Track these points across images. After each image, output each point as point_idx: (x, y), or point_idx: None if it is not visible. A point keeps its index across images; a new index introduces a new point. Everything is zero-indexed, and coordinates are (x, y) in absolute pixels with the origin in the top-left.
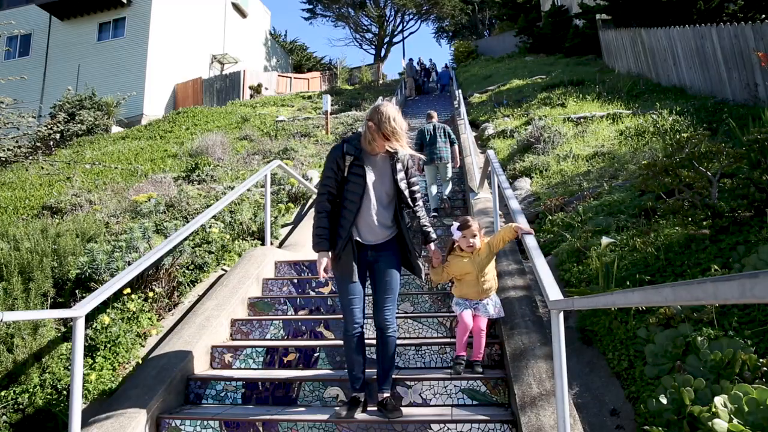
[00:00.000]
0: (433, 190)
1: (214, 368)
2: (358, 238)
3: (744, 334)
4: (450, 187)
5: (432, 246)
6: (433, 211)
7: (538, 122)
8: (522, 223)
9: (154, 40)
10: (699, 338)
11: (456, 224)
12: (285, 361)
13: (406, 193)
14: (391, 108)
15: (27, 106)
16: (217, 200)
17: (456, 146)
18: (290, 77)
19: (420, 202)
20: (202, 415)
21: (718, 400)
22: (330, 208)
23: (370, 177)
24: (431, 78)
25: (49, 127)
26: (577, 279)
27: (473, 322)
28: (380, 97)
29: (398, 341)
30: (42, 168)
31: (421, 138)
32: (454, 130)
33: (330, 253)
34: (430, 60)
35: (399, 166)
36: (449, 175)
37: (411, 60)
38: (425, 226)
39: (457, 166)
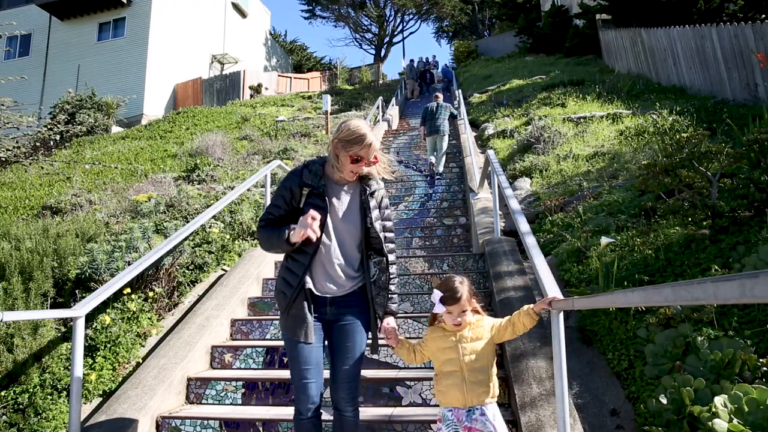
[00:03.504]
0: (432, 159)
1: (214, 368)
2: (312, 288)
3: (744, 334)
4: (443, 161)
5: (391, 321)
6: (427, 175)
7: (538, 122)
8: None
9: (154, 40)
10: (699, 338)
11: (437, 292)
12: (285, 361)
13: (381, 237)
14: (361, 123)
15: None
16: (217, 200)
17: (456, 120)
18: (290, 77)
19: (392, 256)
20: (202, 415)
21: (718, 400)
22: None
23: (334, 213)
24: (434, 76)
25: (49, 127)
26: (577, 279)
27: None
28: (380, 97)
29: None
30: (42, 168)
31: (425, 113)
32: (453, 130)
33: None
34: (434, 56)
35: (372, 202)
36: (445, 147)
37: (411, 60)
38: (391, 288)
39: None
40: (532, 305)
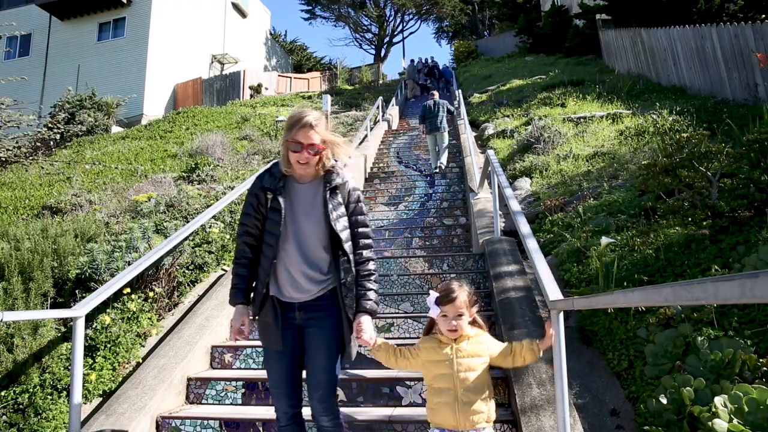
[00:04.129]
0: (434, 162)
1: (214, 368)
2: (275, 294)
3: (744, 334)
4: (446, 155)
5: (364, 320)
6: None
7: (538, 122)
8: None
9: (154, 40)
10: (699, 338)
11: (434, 294)
12: None
13: (343, 235)
14: (302, 108)
15: (27, 106)
16: (217, 200)
17: (453, 115)
18: (290, 77)
19: (367, 252)
20: (202, 415)
21: (718, 400)
22: (251, 254)
23: (291, 213)
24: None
25: (49, 127)
26: (577, 279)
27: None
28: (380, 97)
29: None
30: (42, 168)
31: (423, 110)
32: (453, 130)
33: (250, 309)
34: (432, 58)
35: (337, 198)
36: (446, 142)
37: (412, 60)
38: (362, 284)
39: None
40: (537, 341)
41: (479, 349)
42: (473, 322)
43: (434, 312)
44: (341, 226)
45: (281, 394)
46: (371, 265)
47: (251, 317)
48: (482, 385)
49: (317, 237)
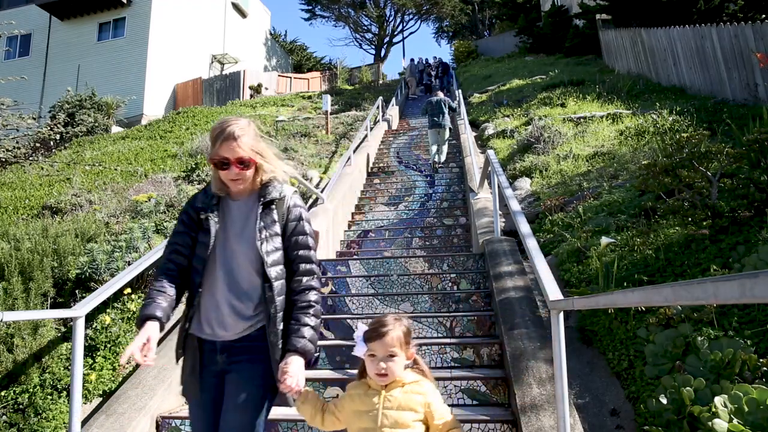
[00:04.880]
0: (433, 149)
1: None
2: (195, 332)
3: (744, 334)
4: (446, 151)
5: (292, 360)
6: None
7: (538, 122)
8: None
9: (154, 40)
10: (699, 338)
11: (362, 327)
12: None
13: (269, 258)
14: (231, 120)
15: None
16: None
17: (455, 113)
18: (290, 77)
19: (308, 279)
20: None
21: (718, 400)
22: (177, 272)
23: (223, 235)
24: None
25: (49, 127)
26: (577, 279)
27: None
28: (380, 97)
29: None
30: (42, 168)
31: (427, 106)
32: (454, 129)
33: (158, 324)
34: (435, 57)
35: (272, 215)
36: (446, 137)
37: (412, 60)
38: (296, 318)
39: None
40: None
41: (414, 401)
42: (414, 366)
43: (360, 350)
44: (271, 247)
45: None
46: (312, 296)
47: (162, 335)
48: None
49: (250, 262)
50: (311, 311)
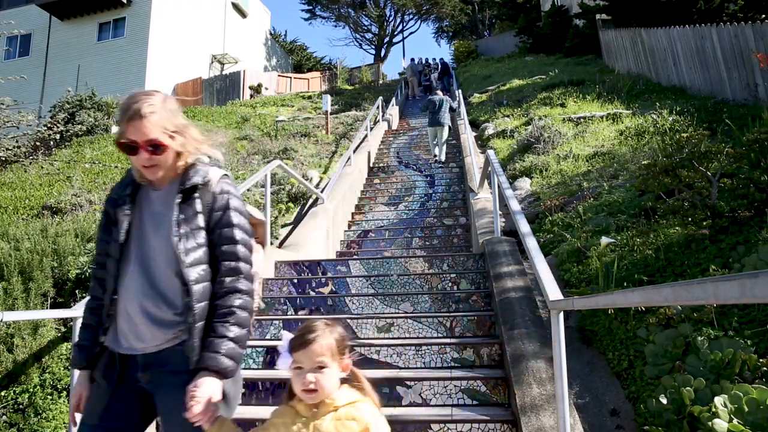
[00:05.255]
0: (433, 143)
1: None
2: (110, 345)
3: (744, 334)
4: (445, 149)
5: (203, 382)
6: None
7: (538, 122)
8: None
9: (154, 40)
10: (699, 338)
11: (287, 336)
12: None
13: (188, 258)
14: (139, 95)
15: (27, 106)
16: None
17: (454, 112)
18: (290, 77)
19: (231, 280)
20: None
21: (718, 400)
22: (99, 286)
23: (139, 229)
24: (448, 68)
25: (49, 127)
26: (577, 279)
27: None
28: (380, 97)
29: (398, 341)
30: (42, 168)
31: (428, 104)
32: (454, 129)
33: (87, 374)
34: (434, 59)
35: (194, 205)
36: (445, 136)
37: (413, 59)
38: (214, 328)
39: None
40: None
41: (349, 430)
42: (352, 381)
43: (284, 362)
44: (191, 244)
45: None
46: (235, 300)
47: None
48: None
49: (169, 261)
50: (231, 319)
